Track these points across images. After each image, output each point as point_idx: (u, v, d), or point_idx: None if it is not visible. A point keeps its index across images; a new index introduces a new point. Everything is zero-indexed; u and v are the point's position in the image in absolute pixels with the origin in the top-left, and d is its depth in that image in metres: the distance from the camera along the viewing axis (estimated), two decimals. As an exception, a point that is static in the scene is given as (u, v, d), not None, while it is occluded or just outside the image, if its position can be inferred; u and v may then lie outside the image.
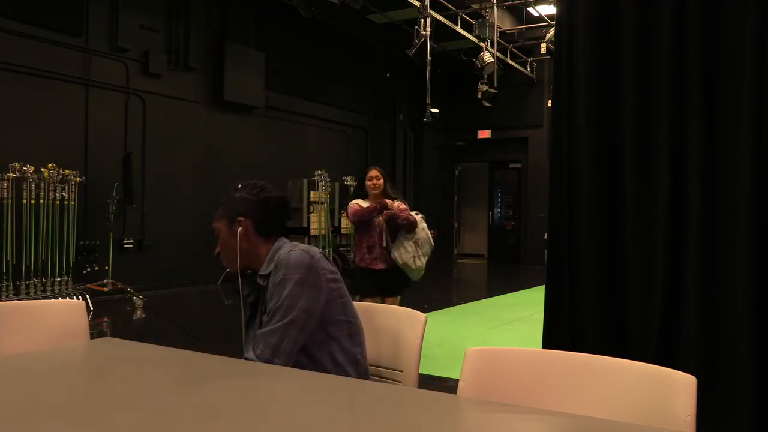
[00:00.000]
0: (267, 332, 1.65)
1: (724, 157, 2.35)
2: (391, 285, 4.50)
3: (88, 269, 7.51)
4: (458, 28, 10.55)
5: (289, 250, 1.76)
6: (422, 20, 8.70)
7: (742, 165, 2.29)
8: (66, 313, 1.88)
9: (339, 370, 1.68)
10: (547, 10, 11.27)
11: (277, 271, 1.72)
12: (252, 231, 1.81)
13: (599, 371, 1.27)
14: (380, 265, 4.41)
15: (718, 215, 2.36)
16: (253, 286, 1.84)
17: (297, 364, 1.66)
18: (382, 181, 4.46)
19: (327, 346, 1.71)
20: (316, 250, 1.80)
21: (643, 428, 1.11)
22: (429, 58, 9.09)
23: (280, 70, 10.48)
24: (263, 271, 1.78)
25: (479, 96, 11.29)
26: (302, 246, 1.79)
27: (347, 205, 4.62)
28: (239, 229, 1.80)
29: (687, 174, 2.41)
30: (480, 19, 10.66)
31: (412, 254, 4.36)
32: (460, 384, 1.34)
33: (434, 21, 9.28)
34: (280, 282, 1.69)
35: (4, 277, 6.50)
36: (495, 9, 10.64)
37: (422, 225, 4.47)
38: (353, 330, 1.76)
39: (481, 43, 10.74)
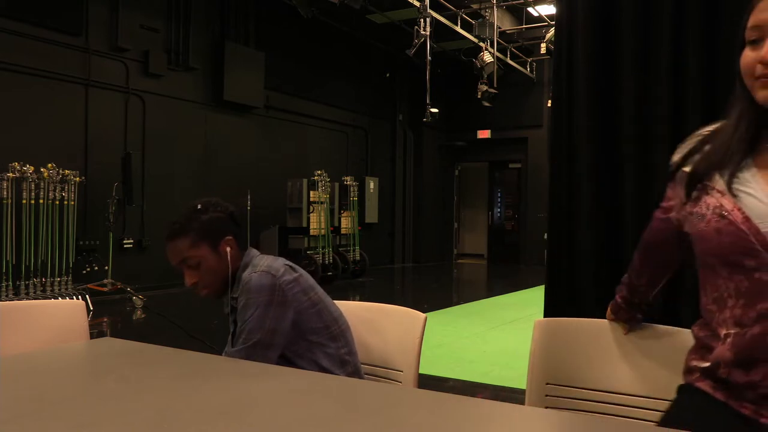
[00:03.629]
0: (233, 353, 1.65)
1: (725, 157, 2.34)
2: None
3: (88, 269, 7.51)
4: (458, 28, 10.55)
5: (251, 272, 1.71)
6: (422, 20, 8.70)
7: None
8: (66, 313, 1.88)
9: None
10: (547, 10, 11.27)
11: (240, 296, 1.70)
12: (236, 247, 1.78)
13: (664, 340, 1.30)
14: None
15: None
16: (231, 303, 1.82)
17: None
18: None
19: (310, 354, 1.70)
20: (279, 265, 1.73)
21: (644, 427, 1.11)
22: (429, 58, 9.10)
23: (279, 69, 10.48)
24: (234, 293, 1.75)
25: (479, 96, 11.30)
26: (264, 264, 1.73)
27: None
28: (228, 249, 1.76)
29: (687, 174, 2.40)
30: (480, 19, 10.67)
31: None
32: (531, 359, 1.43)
33: (434, 21, 9.29)
34: (243, 307, 1.67)
35: (4, 277, 6.50)
36: (495, 9, 10.64)
37: None
38: (334, 333, 1.74)
39: (481, 43, 10.75)
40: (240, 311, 1.68)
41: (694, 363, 1.21)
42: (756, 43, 1.12)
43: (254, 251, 1.82)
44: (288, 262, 1.78)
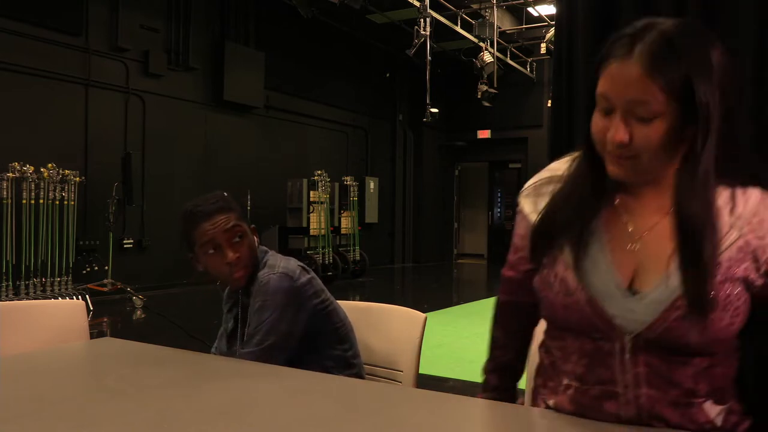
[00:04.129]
0: (245, 354, 1.64)
1: (725, 157, 2.34)
2: None
3: (88, 269, 7.51)
4: (458, 28, 10.55)
5: (269, 273, 1.69)
6: (422, 20, 8.70)
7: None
8: (66, 313, 1.88)
9: None
10: (547, 10, 11.27)
11: (256, 296, 1.69)
12: (258, 238, 1.82)
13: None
14: None
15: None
16: (235, 300, 1.81)
17: None
18: None
19: (316, 357, 1.70)
20: (294, 266, 1.73)
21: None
22: (429, 58, 9.09)
23: (279, 69, 10.48)
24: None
25: (479, 96, 11.30)
26: (281, 266, 1.71)
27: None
28: (255, 237, 1.78)
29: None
30: (480, 19, 10.67)
31: None
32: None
33: (434, 21, 9.28)
34: (259, 308, 1.66)
35: (4, 277, 6.50)
36: (495, 9, 10.63)
37: None
38: (341, 334, 1.74)
39: (481, 43, 10.74)
40: (256, 312, 1.67)
41: (543, 395, 1.15)
42: (606, 112, 1.03)
43: (263, 247, 1.81)
44: (300, 263, 1.78)
